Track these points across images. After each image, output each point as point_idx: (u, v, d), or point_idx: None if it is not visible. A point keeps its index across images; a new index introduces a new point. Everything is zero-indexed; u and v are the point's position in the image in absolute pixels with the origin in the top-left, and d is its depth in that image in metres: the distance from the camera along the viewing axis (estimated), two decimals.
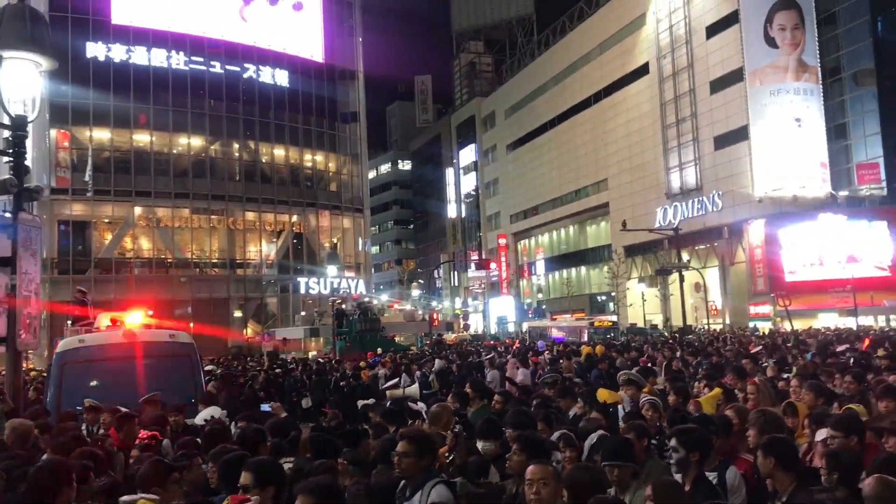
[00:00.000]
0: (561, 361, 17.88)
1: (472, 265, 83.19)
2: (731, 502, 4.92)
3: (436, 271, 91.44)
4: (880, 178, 47.10)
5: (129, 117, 56.65)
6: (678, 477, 4.85)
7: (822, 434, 5.26)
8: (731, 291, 50.82)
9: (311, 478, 4.29)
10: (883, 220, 44.56)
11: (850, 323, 36.20)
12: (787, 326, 35.26)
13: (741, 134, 49.56)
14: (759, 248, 46.85)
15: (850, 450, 4.78)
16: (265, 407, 10.62)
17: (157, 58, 57.64)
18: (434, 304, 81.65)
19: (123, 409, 8.08)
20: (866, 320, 38.43)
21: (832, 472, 4.42)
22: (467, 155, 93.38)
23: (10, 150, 9.15)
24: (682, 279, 40.29)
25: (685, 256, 50.35)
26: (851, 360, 11.74)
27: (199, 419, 8.46)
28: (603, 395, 8.25)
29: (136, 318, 12.79)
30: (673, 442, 4.97)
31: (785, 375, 9.42)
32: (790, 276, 45.12)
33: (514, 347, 28.85)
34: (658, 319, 53.98)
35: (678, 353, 17.91)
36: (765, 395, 7.43)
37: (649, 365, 14.33)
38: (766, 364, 12.09)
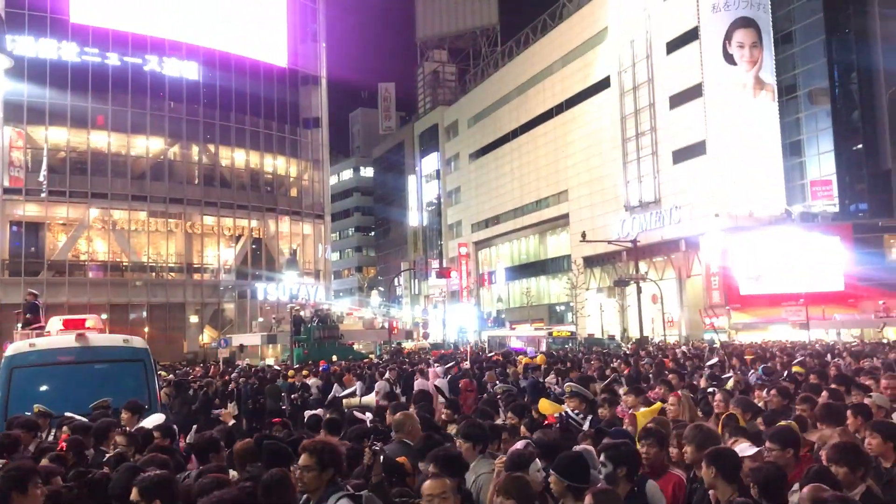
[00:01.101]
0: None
1: (433, 273, 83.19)
2: None
3: (396, 279, 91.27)
4: (833, 194, 48.20)
5: (87, 117, 55.77)
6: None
7: (748, 451, 5.30)
8: (687, 303, 51.52)
9: (217, 492, 4.23)
10: (835, 236, 45.57)
11: (802, 336, 36.91)
12: (739, 340, 35.83)
13: (699, 149, 50.32)
14: (715, 261, 47.59)
15: (775, 464, 4.89)
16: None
17: (117, 58, 56.82)
18: (394, 312, 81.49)
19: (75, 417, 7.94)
20: (818, 334, 39.22)
21: (755, 486, 4.52)
22: (430, 163, 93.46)
23: None
24: (639, 291, 40.76)
25: (643, 268, 50.92)
26: (786, 373, 11.94)
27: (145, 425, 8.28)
28: (545, 407, 8.21)
29: (89, 322, 12.56)
30: (601, 457, 4.97)
31: (710, 389, 9.39)
32: (745, 289, 45.93)
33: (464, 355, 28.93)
34: (616, 330, 54.47)
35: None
36: (685, 409, 7.43)
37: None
38: (689, 382, 12.14)
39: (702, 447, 5.13)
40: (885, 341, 32.15)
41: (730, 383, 9.78)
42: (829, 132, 48.85)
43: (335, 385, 19.02)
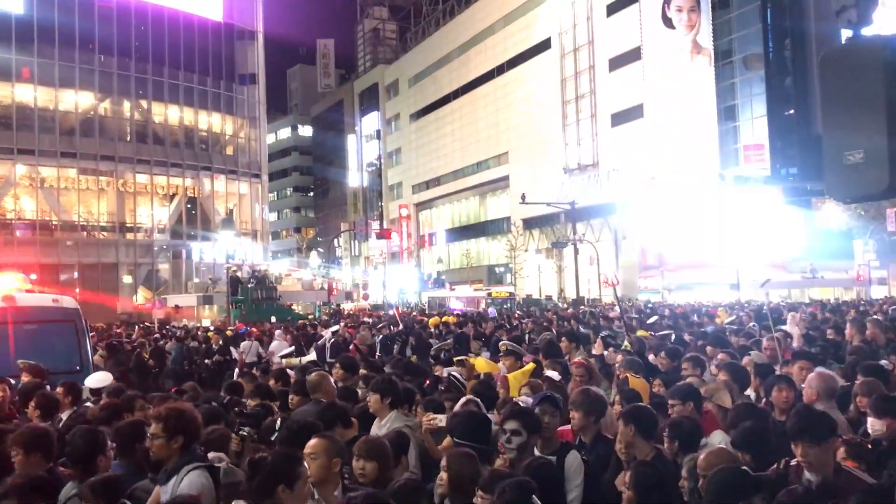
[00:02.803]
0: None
1: (373, 235, 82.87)
2: (568, 489, 4.61)
3: (336, 240, 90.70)
4: (765, 159, 49.35)
5: (11, 70, 53.40)
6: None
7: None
8: (623, 265, 52.45)
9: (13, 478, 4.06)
10: (766, 200, 46.81)
11: (732, 297, 37.99)
12: (672, 300, 36.67)
13: (637, 112, 50.91)
14: (650, 223, 48.48)
15: (690, 418, 5.01)
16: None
17: (43, 7, 54.34)
18: (333, 273, 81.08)
19: None
20: (747, 294, 40.40)
21: (673, 440, 4.63)
22: (370, 123, 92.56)
23: None
24: (576, 252, 41.33)
25: (580, 230, 51.58)
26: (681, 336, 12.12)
27: (88, 384, 8.13)
28: (481, 365, 8.26)
29: (16, 282, 12.20)
30: (513, 424, 4.65)
31: (604, 352, 9.47)
32: (678, 250, 46.98)
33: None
34: (553, 291, 55.25)
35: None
36: (595, 374, 7.43)
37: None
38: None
39: (589, 412, 5.09)
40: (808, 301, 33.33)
41: (625, 345, 9.76)
42: (762, 98, 49.81)
43: (230, 347, 19.19)
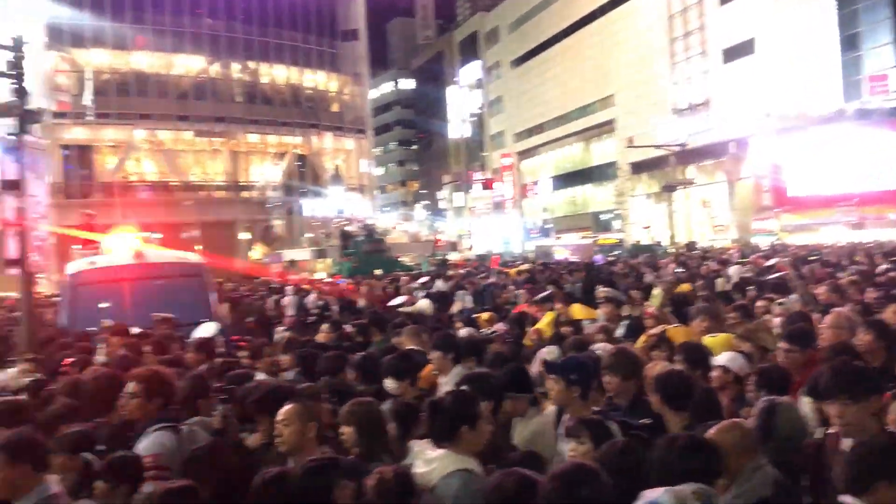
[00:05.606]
0: None
1: (477, 185, 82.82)
2: None
3: (440, 192, 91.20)
4: (889, 89, 46.25)
5: (126, 39, 55.66)
6: None
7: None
8: (737, 207, 50.65)
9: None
10: (892, 132, 44.00)
11: (856, 237, 36.22)
12: (789, 241, 35.24)
13: (749, 46, 48.62)
14: (765, 162, 46.50)
15: (681, 372, 4.60)
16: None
17: None
18: (438, 224, 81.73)
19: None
20: (873, 234, 38.38)
21: (657, 393, 4.26)
22: (470, 72, 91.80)
23: (11, 72, 9.02)
24: (688, 196, 40.16)
25: (691, 172, 49.97)
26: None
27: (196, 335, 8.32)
28: (578, 311, 8.18)
29: (143, 240, 12.86)
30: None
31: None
32: (796, 190, 44.94)
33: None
34: (663, 236, 53.95)
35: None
36: (665, 321, 7.20)
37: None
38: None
39: (627, 375, 4.69)
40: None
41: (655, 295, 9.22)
42: (888, 23, 46.41)
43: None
